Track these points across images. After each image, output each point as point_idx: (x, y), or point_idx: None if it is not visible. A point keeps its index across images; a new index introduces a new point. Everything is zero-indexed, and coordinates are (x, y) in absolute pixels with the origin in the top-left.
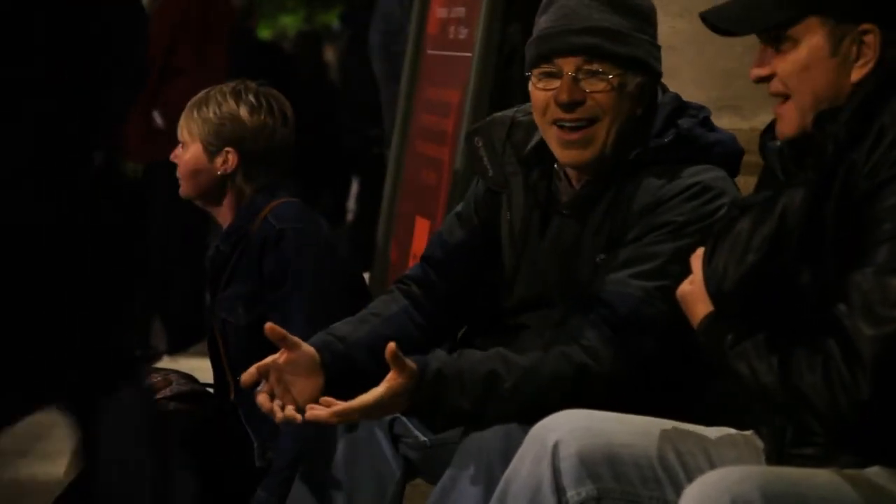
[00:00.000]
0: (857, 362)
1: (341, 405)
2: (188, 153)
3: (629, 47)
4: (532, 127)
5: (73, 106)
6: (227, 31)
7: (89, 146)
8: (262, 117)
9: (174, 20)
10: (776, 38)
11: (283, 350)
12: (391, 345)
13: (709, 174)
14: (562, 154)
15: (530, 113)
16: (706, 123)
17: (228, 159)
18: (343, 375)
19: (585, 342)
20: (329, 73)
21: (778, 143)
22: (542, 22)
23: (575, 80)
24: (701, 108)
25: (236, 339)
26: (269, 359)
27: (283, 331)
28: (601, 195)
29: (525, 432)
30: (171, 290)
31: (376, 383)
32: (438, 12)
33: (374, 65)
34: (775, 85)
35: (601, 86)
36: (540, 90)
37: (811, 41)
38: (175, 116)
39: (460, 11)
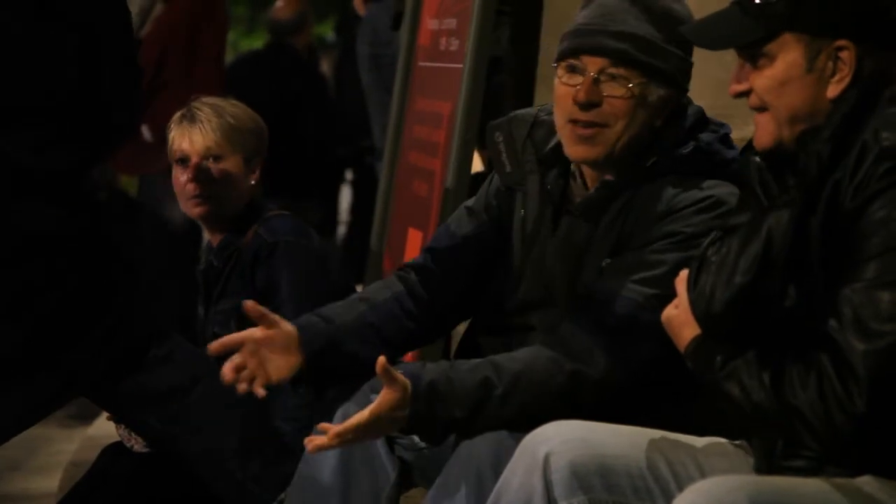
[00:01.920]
0: (850, 377)
1: (338, 427)
2: (224, 165)
3: (656, 58)
4: (554, 127)
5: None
6: (219, 46)
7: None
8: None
9: (164, 38)
10: (752, 54)
11: (260, 326)
12: (381, 359)
13: (722, 189)
14: (571, 150)
15: (553, 113)
16: (726, 140)
17: (257, 171)
18: (323, 355)
19: (580, 346)
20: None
21: (758, 159)
22: (580, 16)
23: (596, 81)
24: (722, 124)
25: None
26: (244, 332)
27: (263, 308)
28: (614, 199)
29: (516, 441)
30: (160, 304)
31: (361, 367)
32: (430, 24)
33: (362, 75)
34: (753, 100)
35: (620, 91)
36: (563, 84)
37: (787, 57)
38: (163, 129)
39: (451, 23)
